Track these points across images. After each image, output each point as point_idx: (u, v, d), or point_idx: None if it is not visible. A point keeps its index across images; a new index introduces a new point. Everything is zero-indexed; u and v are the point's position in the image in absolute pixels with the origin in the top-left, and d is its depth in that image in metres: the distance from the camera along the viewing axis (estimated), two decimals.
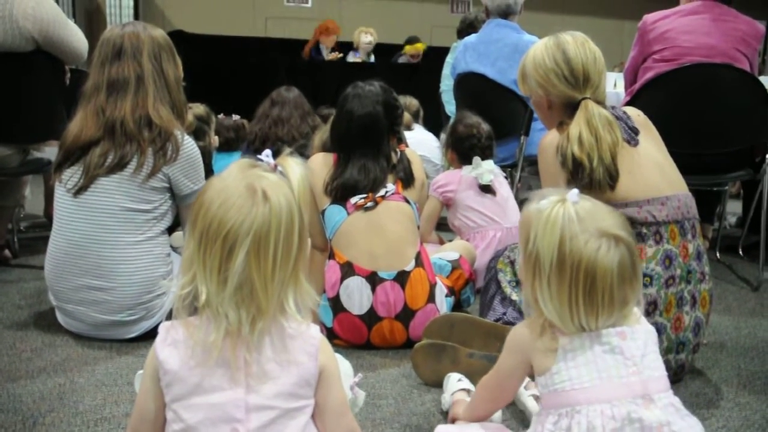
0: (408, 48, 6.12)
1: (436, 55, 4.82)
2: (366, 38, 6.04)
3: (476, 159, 2.48)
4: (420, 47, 6.09)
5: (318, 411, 0.98)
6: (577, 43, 1.65)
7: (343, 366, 1.23)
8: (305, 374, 0.95)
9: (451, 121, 2.81)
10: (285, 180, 0.95)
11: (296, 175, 0.95)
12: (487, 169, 2.46)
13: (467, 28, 4.35)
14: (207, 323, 0.93)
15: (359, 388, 1.23)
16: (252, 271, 0.90)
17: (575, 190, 1.07)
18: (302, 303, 0.96)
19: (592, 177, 1.53)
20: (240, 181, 0.92)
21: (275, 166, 0.96)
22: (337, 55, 6.06)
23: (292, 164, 0.96)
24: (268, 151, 0.99)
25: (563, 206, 1.03)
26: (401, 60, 6.19)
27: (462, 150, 2.54)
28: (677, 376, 1.64)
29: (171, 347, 0.94)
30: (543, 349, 1.05)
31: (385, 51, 6.44)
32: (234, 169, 0.95)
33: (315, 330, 0.98)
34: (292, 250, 0.93)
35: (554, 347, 1.04)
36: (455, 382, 1.46)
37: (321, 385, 0.97)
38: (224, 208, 0.90)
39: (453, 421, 1.35)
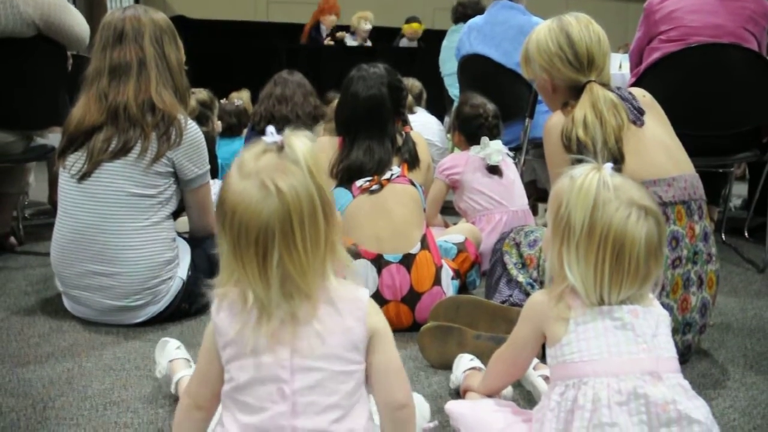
0: (405, 27, 6.09)
1: (439, 38, 4.79)
2: (367, 25, 6.00)
3: (484, 139, 2.47)
4: (417, 27, 6.05)
5: (372, 373, 0.98)
6: (581, 25, 1.64)
7: (421, 408, 1.23)
8: (353, 338, 0.95)
9: (456, 103, 2.79)
10: (292, 159, 0.94)
11: (302, 151, 0.94)
12: (495, 149, 2.45)
13: (462, 12, 4.35)
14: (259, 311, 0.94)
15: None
16: (288, 264, 0.91)
17: (610, 164, 1.08)
18: (339, 269, 0.97)
19: (596, 160, 1.52)
20: (254, 181, 0.92)
21: (281, 144, 0.95)
22: (343, 34, 6.00)
23: (296, 141, 0.95)
24: (270, 128, 0.97)
25: (598, 173, 1.05)
26: (402, 43, 6.15)
27: (469, 131, 2.53)
28: (684, 357, 1.64)
29: (225, 311, 0.97)
30: (556, 317, 1.07)
31: (386, 34, 6.40)
32: (245, 164, 0.95)
33: (364, 293, 0.98)
34: (321, 229, 0.93)
35: (567, 317, 1.05)
36: (467, 361, 1.47)
37: (372, 349, 0.98)
38: (248, 214, 0.91)
39: (465, 393, 1.36)
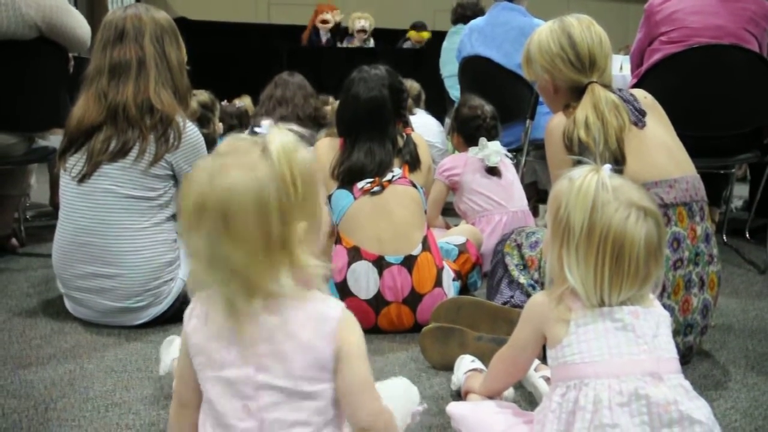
0: (412, 34, 6.08)
1: (439, 40, 4.80)
2: (359, 24, 5.97)
3: (482, 140, 2.47)
4: (425, 35, 6.05)
5: (338, 392, 0.95)
6: (583, 26, 1.64)
7: (409, 392, 1.23)
8: (318, 357, 0.92)
9: (457, 104, 2.79)
10: (265, 153, 0.90)
11: (276, 146, 0.90)
12: (494, 150, 2.45)
13: (461, 14, 4.36)
14: (215, 298, 0.93)
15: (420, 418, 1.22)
16: (225, 247, 0.88)
17: (608, 165, 1.08)
18: (302, 278, 0.92)
19: (598, 161, 1.52)
20: (215, 162, 0.91)
21: (262, 139, 0.93)
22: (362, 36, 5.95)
23: (274, 136, 0.92)
24: (265, 122, 0.96)
25: (597, 175, 1.05)
26: (405, 45, 6.16)
27: (467, 132, 2.54)
28: (685, 358, 1.64)
29: (195, 319, 0.96)
30: (556, 319, 1.07)
31: (387, 36, 6.40)
32: (220, 146, 0.94)
33: (334, 309, 0.95)
34: (272, 227, 0.88)
35: (567, 318, 1.05)
36: (468, 363, 1.47)
37: (338, 367, 0.94)
38: (193, 189, 0.90)
39: (466, 394, 1.36)
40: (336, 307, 0.95)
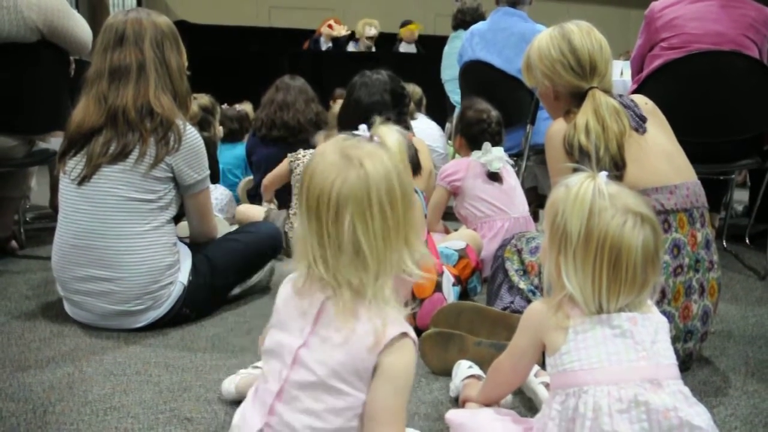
0: (402, 31, 6.11)
1: (439, 44, 4.81)
2: (370, 31, 6.01)
3: (486, 145, 2.46)
4: (414, 27, 6.07)
5: (365, 411, 0.94)
6: (583, 32, 1.64)
7: None
8: (357, 362, 0.93)
9: (458, 109, 2.80)
10: (383, 147, 0.96)
11: (393, 141, 0.97)
12: (497, 156, 2.45)
13: (461, 19, 4.38)
14: (308, 274, 0.98)
15: None
16: (360, 235, 0.91)
17: (605, 172, 1.08)
18: (419, 262, 0.97)
19: (599, 167, 1.52)
20: (336, 152, 0.95)
21: (371, 136, 0.98)
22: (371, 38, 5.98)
23: (387, 131, 0.98)
24: (363, 126, 1.01)
25: (593, 182, 1.06)
26: (401, 47, 6.17)
27: (471, 135, 2.53)
28: (685, 364, 1.64)
29: (286, 284, 1.05)
30: (555, 326, 1.07)
31: (387, 40, 6.42)
32: (330, 143, 0.98)
33: (395, 329, 0.94)
34: (398, 214, 0.93)
35: (566, 325, 1.06)
36: (466, 369, 1.47)
37: (374, 383, 0.94)
38: (324, 176, 0.93)
39: (464, 403, 1.36)
40: (400, 327, 0.95)
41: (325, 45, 6.01)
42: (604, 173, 1.08)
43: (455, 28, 4.53)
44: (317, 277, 0.96)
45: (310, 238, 0.95)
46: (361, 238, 0.91)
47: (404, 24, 6.19)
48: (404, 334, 0.95)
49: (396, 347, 0.94)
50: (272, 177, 2.89)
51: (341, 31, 6.00)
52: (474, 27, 3.34)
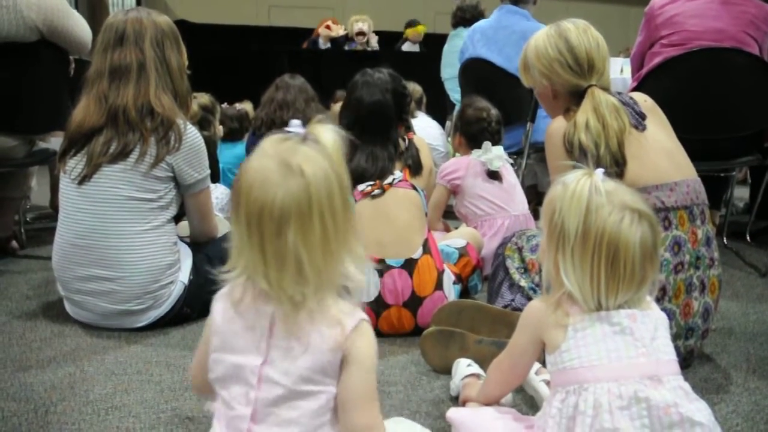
0: (409, 31, 6.09)
1: (440, 42, 4.81)
2: (357, 26, 5.97)
3: (487, 143, 2.46)
4: (421, 29, 6.05)
5: (338, 398, 0.96)
6: (579, 30, 1.64)
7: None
8: (323, 362, 0.93)
9: (458, 107, 2.79)
10: (319, 147, 0.94)
11: (329, 140, 0.95)
12: (496, 155, 2.45)
13: (461, 17, 4.38)
14: (246, 286, 0.96)
15: None
16: (301, 248, 0.90)
17: (601, 169, 1.08)
18: (360, 268, 0.96)
19: (599, 165, 1.52)
20: (274, 159, 0.91)
21: (305, 134, 0.95)
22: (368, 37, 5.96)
23: (323, 130, 0.96)
24: (296, 122, 0.98)
25: (590, 179, 1.06)
26: (404, 46, 6.16)
27: (471, 133, 2.53)
28: (686, 361, 1.64)
29: (221, 301, 1.00)
30: (554, 324, 1.07)
31: (388, 38, 6.40)
32: (267, 147, 0.94)
33: (352, 319, 0.95)
34: (339, 220, 0.92)
35: (565, 323, 1.06)
36: (464, 368, 1.47)
37: (343, 374, 0.95)
38: (264, 190, 0.89)
39: (464, 403, 1.36)
40: (355, 317, 0.96)
41: (323, 45, 6.01)
42: (600, 170, 1.08)
43: (455, 26, 4.52)
44: (258, 289, 0.95)
45: (251, 252, 0.92)
46: (301, 251, 0.90)
47: (410, 24, 6.17)
48: (360, 320, 0.96)
49: (357, 334, 0.95)
50: None
51: (339, 31, 5.98)
52: (477, 24, 3.35)
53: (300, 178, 0.89)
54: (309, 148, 0.93)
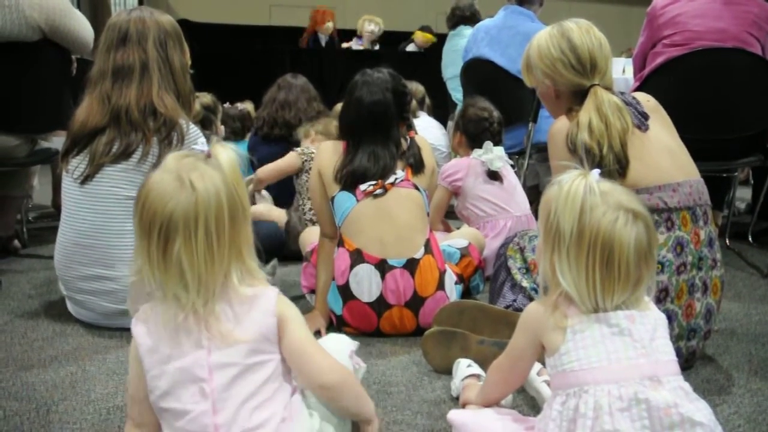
0: (418, 34, 6.07)
1: (441, 43, 4.81)
2: (369, 26, 5.99)
3: (488, 143, 2.46)
4: (429, 37, 6.05)
5: (289, 358, 1.05)
6: (582, 30, 1.64)
7: (342, 338, 1.29)
8: (264, 330, 1.03)
9: (460, 106, 2.79)
10: (215, 165, 1.02)
11: (225, 159, 1.03)
12: (497, 155, 2.45)
13: (460, 16, 4.38)
14: (164, 301, 1.03)
15: (360, 359, 1.27)
16: (188, 255, 0.98)
17: (597, 170, 1.08)
18: (247, 281, 1.04)
19: (602, 164, 1.51)
20: (172, 174, 1.00)
21: (208, 153, 1.04)
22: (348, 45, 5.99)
23: (221, 150, 1.04)
24: (202, 140, 1.09)
25: (585, 179, 1.06)
26: (409, 47, 6.15)
27: (472, 133, 2.53)
28: (688, 363, 1.64)
29: (142, 324, 1.05)
30: (553, 326, 1.07)
31: (390, 39, 6.40)
32: (169, 161, 1.03)
33: (272, 290, 1.06)
34: (224, 232, 1.00)
35: (564, 325, 1.06)
36: (465, 368, 1.47)
37: (282, 334, 1.05)
38: (157, 200, 0.98)
39: (464, 405, 1.35)
40: (272, 288, 1.07)
41: (324, 40, 5.99)
42: (596, 171, 1.08)
43: (454, 26, 4.52)
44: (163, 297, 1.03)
45: (142, 255, 1.02)
46: (184, 259, 0.98)
47: (423, 28, 6.15)
48: (276, 291, 1.07)
49: (280, 299, 1.07)
50: (275, 170, 2.77)
51: (329, 27, 5.97)
52: (481, 23, 3.35)
53: (191, 193, 0.98)
54: (207, 166, 1.01)
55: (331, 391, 1.08)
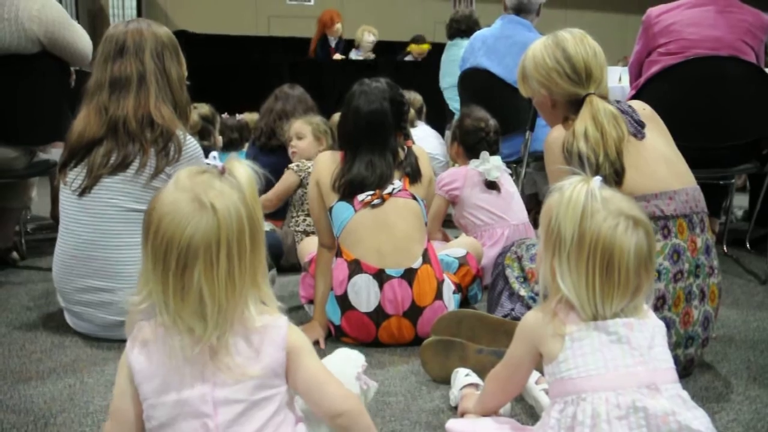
0: (413, 47, 6.11)
1: (439, 52, 4.83)
2: (369, 37, 6.03)
3: (484, 153, 2.47)
4: (425, 47, 6.08)
5: (299, 390, 1.00)
6: (576, 39, 1.65)
7: (351, 356, 1.23)
8: (272, 365, 0.97)
9: (457, 116, 2.80)
10: (233, 183, 0.95)
11: (244, 177, 0.96)
12: (494, 165, 2.46)
13: (457, 28, 4.41)
14: (172, 330, 0.94)
15: (369, 379, 1.22)
16: (208, 283, 0.91)
17: (598, 177, 1.09)
18: (263, 308, 0.98)
19: (598, 173, 1.52)
20: (188, 194, 0.92)
21: (223, 168, 0.97)
22: (339, 57, 6.04)
23: (239, 166, 0.97)
24: (214, 154, 1.00)
25: (586, 185, 1.06)
26: (406, 58, 6.19)
27: (469, 143, 2.54)
28: (686, 370, 1.64)
29: (140, 347, 0.97)
30: (552, 334, 1.07)
31: (387, 48, 6.43)
32: (182, 179, 0.95)
33: (282, 319, 1.00)
34: (245, 257, 0.94)
35: (562, 333, 1.06)
36: (463, 377, 1.47)
37: (292, 367, 0.99)
38: (174, 224, 0.90)
39: (462, 415, 1.35)
40: (282, 318, 1.00)
41: (334, 42, 6.02)
42: (598, 177, 1.09)
43: (451, 37, 4.55)
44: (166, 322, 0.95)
45: (155, 282, 0.93)
46: (204, 287, 0.91)
47: (416, 39, 6.17)
48: (286, 320, 1.01)
49: (290, 330, 1.00)
50: (275, 197, 2.77)
51: (339, 28, 5.99)
52: (479, 32, 3.36)
53: (211, 216, 0.91)
54: (223, 184, 0.94)
55: (343, 418, 1.01)
